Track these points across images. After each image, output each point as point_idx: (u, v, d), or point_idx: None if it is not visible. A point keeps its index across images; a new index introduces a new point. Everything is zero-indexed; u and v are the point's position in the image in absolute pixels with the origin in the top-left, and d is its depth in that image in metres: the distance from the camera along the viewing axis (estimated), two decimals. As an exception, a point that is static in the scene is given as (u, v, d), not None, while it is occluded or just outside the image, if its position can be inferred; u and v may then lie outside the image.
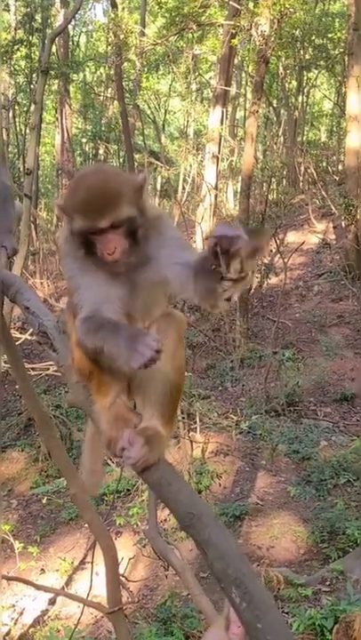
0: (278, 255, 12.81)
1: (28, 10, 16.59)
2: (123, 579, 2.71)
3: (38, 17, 16.70)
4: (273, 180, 15.78)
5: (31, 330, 5.28)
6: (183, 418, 8.07)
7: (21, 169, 17.71)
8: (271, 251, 13.08)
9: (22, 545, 7.03)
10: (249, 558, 6.43)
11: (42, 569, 7.35)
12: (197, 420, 8.81)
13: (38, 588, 2.94)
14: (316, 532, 6.89)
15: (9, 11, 19.40)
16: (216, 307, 1.59)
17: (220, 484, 8.03)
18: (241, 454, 8.68)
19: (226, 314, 11.79)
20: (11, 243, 2.63)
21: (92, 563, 3.47)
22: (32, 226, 13.16)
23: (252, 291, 12.90)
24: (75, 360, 1.77)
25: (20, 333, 8.90)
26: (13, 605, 7.06)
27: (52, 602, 7.07)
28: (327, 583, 6.07)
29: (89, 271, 1.71)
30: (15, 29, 18.09)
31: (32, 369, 6.24)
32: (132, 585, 5.92)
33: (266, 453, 8.54)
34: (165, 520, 7.28)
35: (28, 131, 18.84)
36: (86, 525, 7.62)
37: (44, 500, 8.01)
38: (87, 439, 2.07)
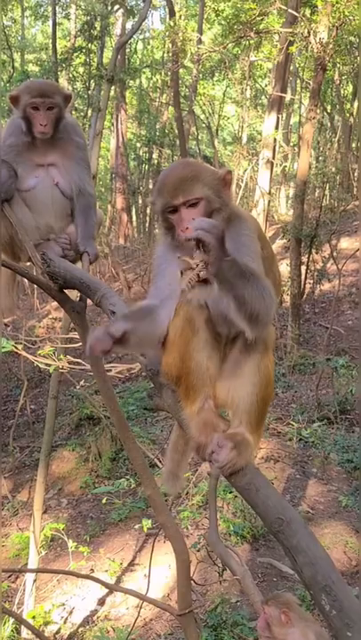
0: (331, 261, 12.68)
1: (88, 18, 16.88)
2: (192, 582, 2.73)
3: (97, 25, 16.97)
4: (327, 185, 15.61)
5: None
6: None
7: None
8: (325, 257, 12.95)
9: (75, 544, 7.12)
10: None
11: (91, 569, 7.42)
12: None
13: (110, 587, 2.99)
14: (368, 543, 6.80)
15: (69, 19, 19.82)
16: (241, 321, 1.72)
17: (277, 491, 8.02)
18: (292, 461, 8.61)
19: (277, 319, 11.73)
20: (93, 249, 2.71)
21: (150, 563, 3.50)
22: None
23: (305, 297, 12.80)
24: (164, 364, 1.82)
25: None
26: (63, 604, 7.17)
27: (102, 602, 7.15)
28: (381, 596, 5.97)
29: (171, 261, 1.81)
30: (75, 37, 18.43)
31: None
32: (196, 588, 5.93)
33: (317, 461, 8.46)
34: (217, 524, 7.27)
35: (85, 136, 19.17)
36: (136, 527, 7.72)
37: (104, 501, 8.07)
38: (171, 443, 2.12)
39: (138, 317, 1.71)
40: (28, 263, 2.73)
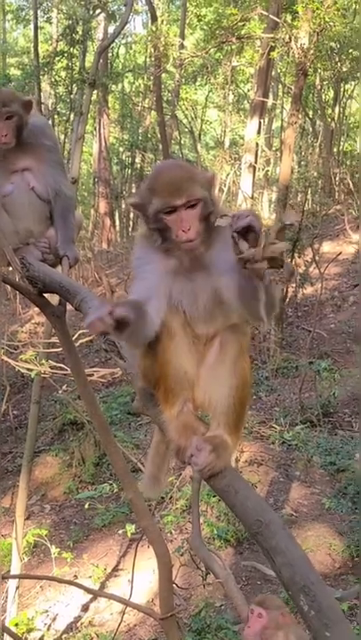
0: (314, 265, 12.76)
1: (70, 22, 16.86)
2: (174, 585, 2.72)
3: (79, 29, 16.96)
4: (309, 190, 15.72)
5: (79, 332, 5.37)
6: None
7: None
8: (307, 261, 13.03)
9: (58, 550, 7.08)
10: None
11: (75, 575, 7.38)
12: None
13: (92, 592, 2.98)
14: (351, 545, 6.83)
15: (51, 23, 19.79)
16: (258, 317, 1.69)
17: (256, 493, 8.01)
18: (275, 464, 8.64)
19: (260, 323, 11.74)
20: (73, 252, 2.71)
21: (132, 568, 3.50)
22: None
23: (287, 300, 12.86)
24: (142, 368, 1.83)
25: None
26: (46, 611, 7.13)
27: (85, 608, 7.12)
28: (363, 598, 6.00)
29: (154, 263, 1.79)
30: (57, 41, 18.41)
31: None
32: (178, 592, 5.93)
33: (300, 464, 8.50)
34: (201, 528, 7.27)
35: (67, 140, 19.16)
36: (119, 533, 7.70)
37: (87, 506, 8.04)
38: (152, 447, 2.12)
39: (134, 309, 1.66)
40: (10, 268, 2.72)
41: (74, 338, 5.32)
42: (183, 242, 1.73)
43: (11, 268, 2.69)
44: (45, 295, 2.56)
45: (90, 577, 7.28)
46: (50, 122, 19.27)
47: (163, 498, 8.06)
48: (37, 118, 2.83)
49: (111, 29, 18.55)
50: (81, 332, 5.88)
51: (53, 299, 2.57)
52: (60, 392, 9.36)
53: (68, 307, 2.50)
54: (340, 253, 13.71)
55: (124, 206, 22.29)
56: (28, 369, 5.54)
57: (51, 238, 2.77)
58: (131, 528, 6.61)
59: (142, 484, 2.13)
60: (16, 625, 6.42)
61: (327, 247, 15.13)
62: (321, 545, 7.03)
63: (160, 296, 1.75)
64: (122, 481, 2.37)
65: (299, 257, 12.69)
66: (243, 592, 5.94)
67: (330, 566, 6.78)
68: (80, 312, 2.13)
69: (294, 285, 13.11)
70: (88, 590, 3.17)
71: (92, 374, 5.10)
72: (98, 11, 16.10)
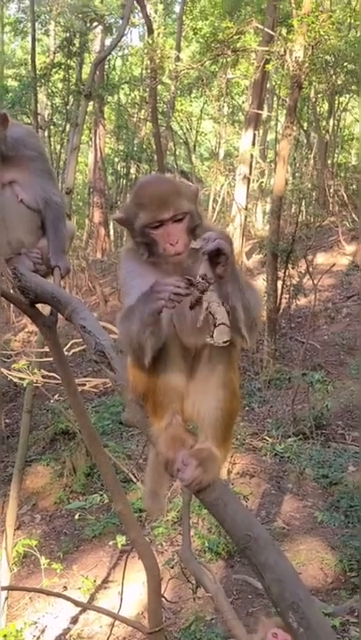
0: (308, 276, 12.79)
1: (68, 34, 16.98)
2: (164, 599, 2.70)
3: (77, 41, 17.07)
4: (303, 201, 15.79)
5: (72, 341, 5.36)
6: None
7: (55, 187, 17.99)
8: (301, 272, 13.06)
9: (48, 561, 7.02)
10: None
11: (64, 586, 7.33)
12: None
13: (80, 605, 2.95)
14: (344, 560, 6.77)
15: (49, 36, 19.90)
16: (240, 335, 1.73)
17: (246, 506, 7.98)
18: (267, 476, 8.61)
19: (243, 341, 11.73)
20: (64, 263, 2.70)
21: (122, 581, 3.47)
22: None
23: (281, 311, 12.88)
24: (131, 380, 1.82)
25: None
26: (35, 622, 7.06)
27: (75, 620, 7.05)
28: (356, 614, 5.95)
29: (144, 276, 1.78)
30: (54, 53, 18.51)
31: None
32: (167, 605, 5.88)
33: (293, 477, 8.47)
34: (192, 540, 7.24)
35: (62, 150, 19.22)
36: (110, 544, 7.64)
37: (77, 517, 7.98)
38: (150, 461, 2.11)
39: None
40: (2, 278, 2.71)
41: (66, 347, 5.33)
42: (171, 255, 1.73)
43: (2, 279, 2.68)
44: (37, 305, 2.55)
45: (79, 588, 7.20)
46: (46, 132, 19.35)
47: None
48: (17, 129, 2.80)
49: (108, 42, 18.69)
50: (73, 341, 5.86)
51: (45, 309, 2.56)
52: (52, 401, 9.32)
53: (60, 317, 2.49)
54: (334, 265, 13.78)
55: (118, 216, 22.27)
56: (21, 378, 5.51)
57: (43, 249, 2.76)
58: (121, 539, 6.57)
59: (144, 500, 2.11)
60: (4, 636, 6.34)
61: (321, 259, 15.19)
62: (313, 559, 6.98)
63: None
64: (111, 492, 2.36)
65: (292, 268, 12.71)
66: (234, 606, 5.92)
67: (322, 581, 6.72)
68: (71, 322, 2.13)
69: (288, 297, 13.13)
70: (76, 603, 3.14)
71: (85, 384, 5.08)
72: (95, 23, 16.21)
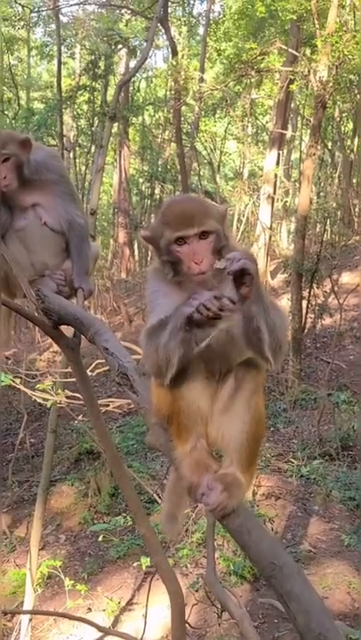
0: (333, 296, 12.70)
1: (93, 57, 17.28)
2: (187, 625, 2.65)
3: (102, 64, 17.36)
4: (328, 220, 15.73)
5: (97, 362, 5.37)
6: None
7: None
8: (326, 291, 12.98)
9: (72, 582, 6.98)
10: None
11: (89, 608, 7.26)
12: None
13: (102, 630, 2.92)
14: (372, 584, 6.64)
15: (74, 58, 20.28)
16: (264, 358, 1.70)
17: (271, 529, 7.86)
18: (293, 498, 8.49)
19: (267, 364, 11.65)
20: (87, 285, 2.71)
21: (146, 604, 3.43)
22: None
23: (306, 331, 12.79)
24: (155, 402, 1.80)
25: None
26: (59, 644, 7.02)
27: (99, 644, 6.99)
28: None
29: (169, 296, 1.78)
30: (79, 75, 18.84)
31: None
32: (191, 631, 5.80)
33: (319, 499, 8.34)
34: (216, 563, 7.14)
35: (88, 171, 19.47)
36: (134, 565, 7.58)
37: (101, 538, 7.94)
38: (170, 483, 2.08)
39: None
40: (25, 300, 2.73)
41: (91, 367, 5.33)
42: (195, 274, 1.72)
43: (26, 300, 2.70)
44: (60, 327, 2.55)
45: (104, 610, 7.15)
46: (71, 154, 19.63)
47: (179, 531, 7.94)
48: (40, 152, 2.82)
49: (133, 64, 18.96)
50: (98, 361, 5.87)
51: (69, 330, 2.56)
52: (76, 421, 9.34)
53: (83, 338, 2.49)
54: (360, 284, 13.66)
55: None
56: (44, 398, 5.52)
57: (66, 270, 2.78)
58: (146, 561, 6.50)
59: (162, 523, 2.08)
60: (28, 659, 6.31)
61: (346, 278, 15.08)
62: (340, 583, 6.85)
63: None
64: (135, 515, 2.33)
65: (317, 287, 12.65)
66: (259, 630, 5.84)
67: (349, 605, 6.58)
68: (94, 344, 2.12)
69: (313, 316, 13.05)
70: (98, 627, 3.10)
71: (108, 404, 5.08)
72: (120, 46, 16.46)
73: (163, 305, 1.77)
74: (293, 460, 9.12)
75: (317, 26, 12.22)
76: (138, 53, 17.85)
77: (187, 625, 2.39)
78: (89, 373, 4.87)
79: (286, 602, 1.41)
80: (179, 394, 1.70)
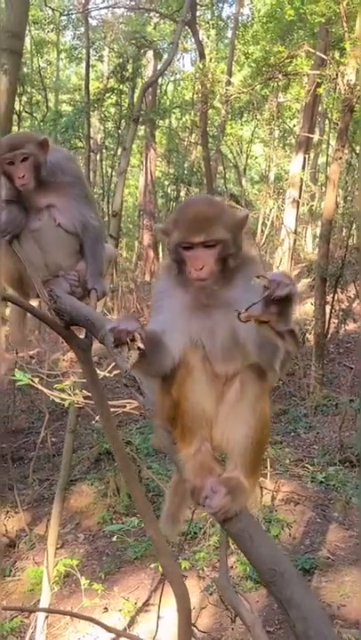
0: (357, 301, 12.59)
1: (121, 60, 17.35)
2: (194, 628, 2.65)
3: (130, 67, 17.43)
4: (353, 225, 15.60)
5: (110, 367, 5.39)
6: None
7: (105, 210, 18.35)
8: (350, 297, 12.88)
9: (88, 581, 7.01)
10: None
11: (105, 607, 7.28)
12: (268, 465, 8.64)
13: (109, 630, 2.93)
14: (390, 593, 6.56)
15: (103, 62, 20.41)
16: (271, 368, 1.67)
17: (289, 534, 7.81)
18: (312, 504, 8.42)
19: (301, 358, 11.61)
20: (101, 286, 2.72)
21: (158, 606, 3.43)
22: (113, 264, 13.54)
23: (329, 336, 12.69)
24: (159, 404, 1.80)
25: (97, 368, 9.09)
26: (75, 644, 7.05)
27: (115, 642, 7.00)
28: None
29: (173, 298, 1.79)
30: (107, 78, 18.94)
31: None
32: (201, 635, 5.79)
33: (338, 505, 8.26)
34: (232, 567, 7.12)
35: (114, 174, 19.56)
36: (151, 566, 7.58)
37: (115, 538, 7.96)
38: (172, 484, 2.08)
39: (151, 338, 1.66)
40: (39, 300, 2.75)
41: (107, 369, 5.35)
42: (194, 279, 1.73)
43: (40, 301, 2.72)
44: (74, 328, 2.57)
45: (120, 610, 7.17)
46: (98, 156, 19.73)
47: (196, 533, 7.94)
48: (56, 154, 2.84)
49: (160, 67, 18.99)
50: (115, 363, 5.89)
51: (82, 332, 2.57)
52: (95, 421, 9.37)
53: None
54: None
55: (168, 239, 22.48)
56: (62, 398, 5.56)
57: (80, 272, 2.80)
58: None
59: (161, 522, 2.09)
60: (44, 655, 6.34)
61: (371, 283, 14.95)
62: (359, 591, 6.77)
63: (178, 330, 1.74)
64: (142, 517, 2.33)
65: (341, 293, 12.55)
66: (275, 636, 5.80)
67: (367, 613, 6.52)
68: (104, 345, 2.13)
69: (336, 321, 12.95)
70: (106, 628, 3.11)
71: (125, 406, 5.09)
72: (147, 49, 16.52)
73: (165, 307, 1.82)
74: (309, 467, 9.05)
75: (346, 29, 12.13)
76: (164, 57, 17.88)
77: (194, 628, 2.37)
78: (106, 375, 4.89)
79: (286, 608, 1.40)
80: (183, 395, 1.70)
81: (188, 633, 2.28)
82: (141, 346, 1.55)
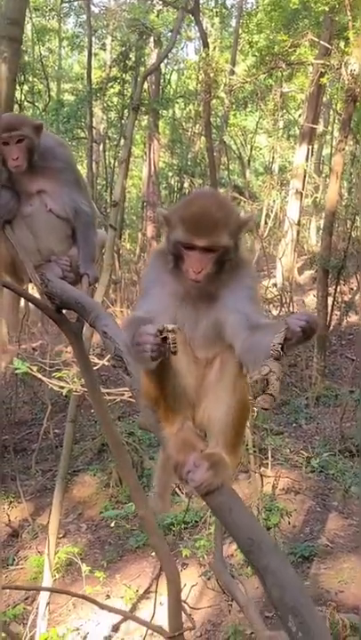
0: (359, 293, 12.60)
1: (124, 49, 17.26)
2: (185, 604, 2.70)
3: (132, 56, 17.33)
4: (357, 217, 15.57)
5: (109, 356, 5.43)
6: (255, 452, 7.99)
7: (108, 200, 18.34)
8: (352, 289, 12.88)
9: (89, 569, 7.09)
10: (316, 601, 6.25)
11: (107, 595, 7.37)
12: (269, 455, 8.70)
13: (102, 607, 2.99)
14: (388, 580, 6.63)
15: (105, 50, 20.27)
16: (247, 368, 1.72)
17: (289, 523, 7.86)
18: (312, 494, 8.49)
19: (303, 349, 11.63)
20: (93, 271, 2.76)
21: (155, 592, 3.49)
22: (115, 256, 13.57)
23: (331, 328, 12.70)
24: (144, 385, 1.85)
25: (99, 359, 9.13)
26: (77, 629, 7.12)
27: (116, 628, 7.08)
28: None
29: (164, 285, 1.82)
30: (110, 67, 18.82)
31: (108, 394, 6.43)
32: (195, 614, 5.85)
33: (338, 494, 8.32)
34: (233, 555, 7.19)
35: (116, 164, 19.54)
36: (153, 554, 7.65)
37: (113, 525, 8.04)
38: (158, 465, 2.14)
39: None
40: (31, 284, 2.79)
41: (106, 358, 5.40)
42: (189, 279, 1.75)
43: (32, 285, 2.76)
44: (65, 313, 2.61)
45: (122, 597, 7.26)
46: (100, 146, 19.67)
47: (196, 522, 8.01)
48: (48, 139, 2.87)
49: (164, 56, 18.85)
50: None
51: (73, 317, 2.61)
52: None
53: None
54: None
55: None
56: (61, 386, 5.61)
57: (72, 257, 2.83)
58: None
59: (150, 501, 2.14)
60: (45, 640, 6.42)
61: (374, 275, 14.94)
62: (356, 577, 6.85)
63: (166, 316, 1.77)
64: (133, 497, 2.39)
65: (344, 284, 12.56)
66: (273, 620, 5.85)
67: (364, 599, 6.59)
68: (94, 328, 2.17)
69: (339, 313, 12.96)
70: (96, 603, 3.16)
71: (123, 394, 5.14)
72: (150, 37, 16.41)
73: (156, 293, 1.83)
74: (312, 456, 9.10)
75: (350, 18, 12.05)
76: (165, 45, 17.74)
77: (184, 604, 2.43)
78: (105, 363, 4.94)
79: (263, 575, 1.45)
80: (165, 378, 1.75)
81: (177, 608, 2.33)
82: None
